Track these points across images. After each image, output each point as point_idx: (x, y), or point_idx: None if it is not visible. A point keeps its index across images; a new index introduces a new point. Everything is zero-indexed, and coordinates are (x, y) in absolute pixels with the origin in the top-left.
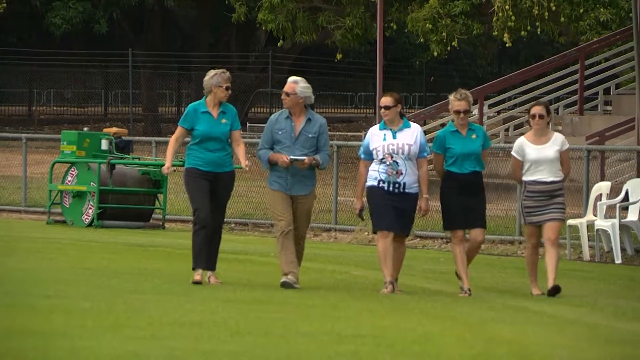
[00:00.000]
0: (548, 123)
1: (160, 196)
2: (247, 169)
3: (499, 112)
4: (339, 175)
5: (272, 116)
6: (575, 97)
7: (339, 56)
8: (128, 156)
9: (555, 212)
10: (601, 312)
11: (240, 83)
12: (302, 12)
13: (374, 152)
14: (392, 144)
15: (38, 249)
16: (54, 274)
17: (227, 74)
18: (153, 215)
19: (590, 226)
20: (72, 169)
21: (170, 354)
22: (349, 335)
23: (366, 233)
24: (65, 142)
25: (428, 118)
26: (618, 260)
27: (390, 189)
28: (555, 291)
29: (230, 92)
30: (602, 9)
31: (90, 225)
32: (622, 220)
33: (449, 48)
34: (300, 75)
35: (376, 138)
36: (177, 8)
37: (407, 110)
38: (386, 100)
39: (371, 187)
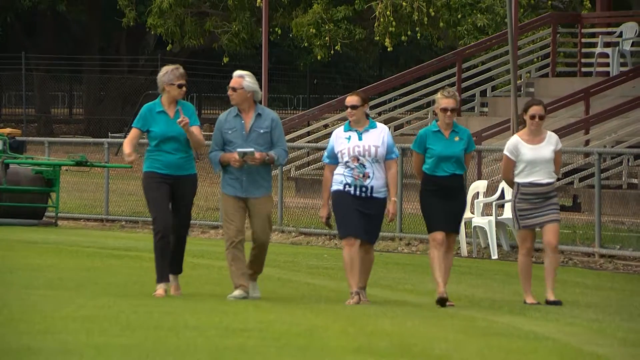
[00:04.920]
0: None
1: (53, 194)
2: (181, 123)
3: (380, 114)
4: None
5: (221, 116)
6: None
7: (225, 59)
8: (21, 156)
9: (553, 214)
10: (478, 305)
11: (131, 85)
12: (190, 17)
13: (339, 154)
14: (358, 146)
15: None
16: None
17: (181, 70)
18: (46, 213)
19: (467, 223)
20: None
21: (63, 348)
22: (236, 329)
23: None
24: None
25: (312, 119)
26: (494, 256)
27: (357, 193)
28: (556, 303)
29: (185, 89)
30: (479, 15)
31: None
32: (498, 218)
33: (332, 52)
34: (188, 77)
35: (341, 140)
36: (68, 13)
37: (292, 112)
38: (353, 99)
39: (337, 192)
